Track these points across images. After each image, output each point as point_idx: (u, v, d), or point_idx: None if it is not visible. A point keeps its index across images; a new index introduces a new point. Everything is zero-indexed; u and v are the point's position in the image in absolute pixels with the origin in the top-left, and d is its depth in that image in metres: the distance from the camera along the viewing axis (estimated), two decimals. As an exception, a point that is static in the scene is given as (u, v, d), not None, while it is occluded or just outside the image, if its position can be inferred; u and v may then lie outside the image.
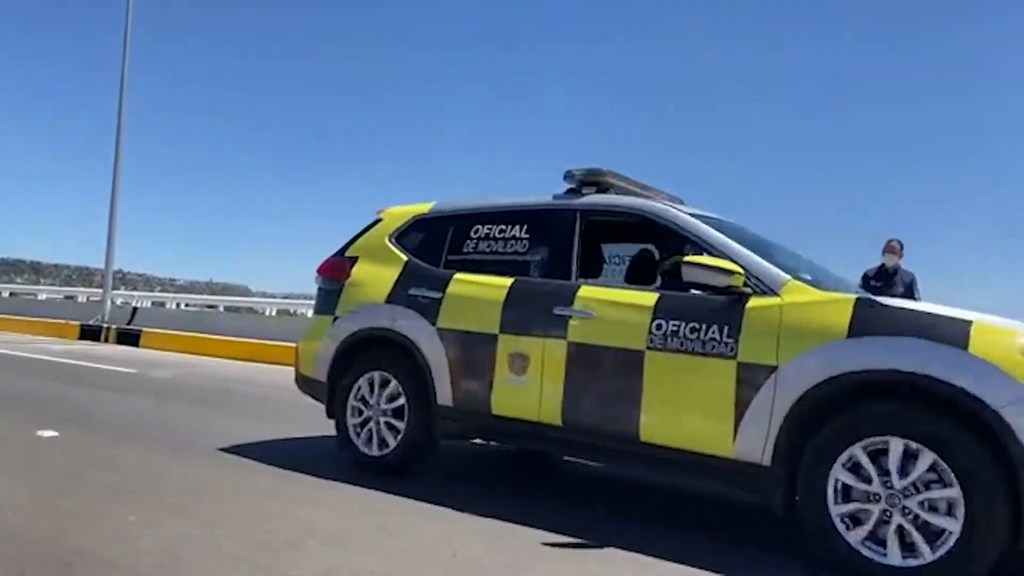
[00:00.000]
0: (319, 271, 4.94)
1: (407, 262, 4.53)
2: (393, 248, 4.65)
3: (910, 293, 7.28)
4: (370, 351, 4.53)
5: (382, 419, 4.38)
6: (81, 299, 22.28)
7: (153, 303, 20.64)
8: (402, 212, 4.81)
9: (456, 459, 5.10)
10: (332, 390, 4.61)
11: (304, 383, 4.94)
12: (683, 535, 3.58)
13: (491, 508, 3.71)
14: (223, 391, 8.51)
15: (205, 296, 24.16)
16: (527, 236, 4.23)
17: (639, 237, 4.84)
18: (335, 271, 4.83)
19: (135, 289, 43.47)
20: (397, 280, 4.46)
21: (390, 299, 4.44)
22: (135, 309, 17.79)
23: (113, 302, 18.14)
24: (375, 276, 4.59)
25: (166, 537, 3.05)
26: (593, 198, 4.19)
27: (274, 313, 18.29)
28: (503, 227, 4.32)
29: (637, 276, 4.45)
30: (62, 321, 17.37)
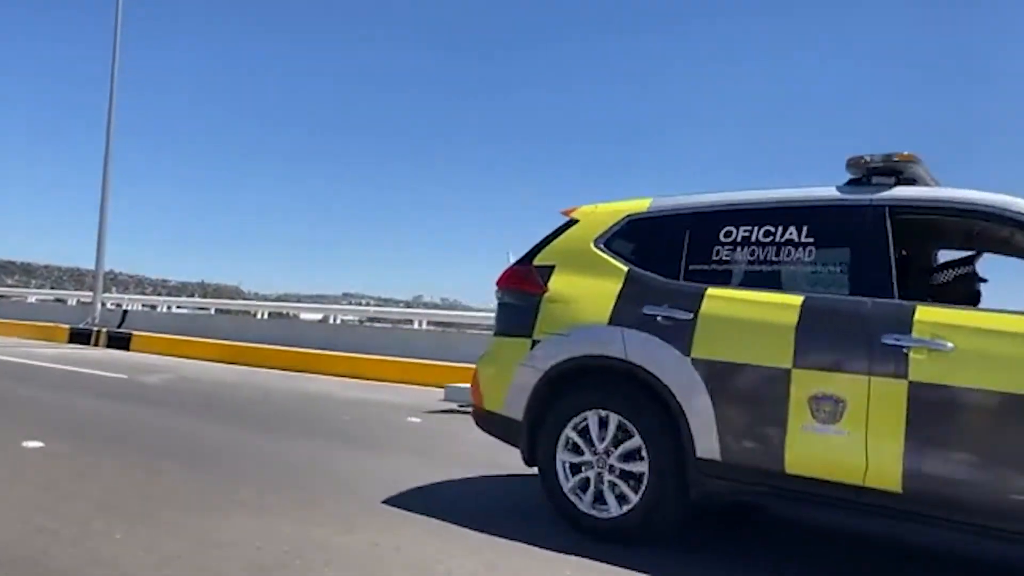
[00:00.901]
0: (501, 283, 4.12)
1: (629, 272, 3.67)
2: (604, 255, 3.79)
3: None
4: (589, 385, 3.64)
5: (607, 473, 3.48)
6: (71, 302, 22.05)
7: (144, 306, 20.40)
8: (607, 211, 3.96)
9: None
10: (532, 432, 3.75)
11: (488, 421, 4.04)
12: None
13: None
14: (212, 396, 8.36)
15: (197, 299, 23.96)
16: (811, 240, 3.34)
17: (969, 242, 3.89)
18: (526, 283, 3.97)
19: (127, 290, 43.30)
20: (620, 295, 3.61)
21: (615, 319, 3.57)
22: (125, 312, 17.62)
23: (103, 305, 17.96)
24: (586, 290, 3.74)
25: (153, 557, 2.92)
26: (907, 191, 3.32)
27: (267, 316, 18.10)
28: (770, 228, 3.44)
29: (953, 293, 3.59)
30: (52, 324, 17.18)
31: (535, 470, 3.78)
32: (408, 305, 37.08)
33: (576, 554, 3.23)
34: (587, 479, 3.53)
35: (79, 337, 16.09)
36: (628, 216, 3.87)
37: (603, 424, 3.53)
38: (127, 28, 17.94)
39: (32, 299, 23.60)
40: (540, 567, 3.08)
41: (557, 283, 3.86)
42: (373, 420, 7.29)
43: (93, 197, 17.51)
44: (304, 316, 19.10)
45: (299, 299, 37.23)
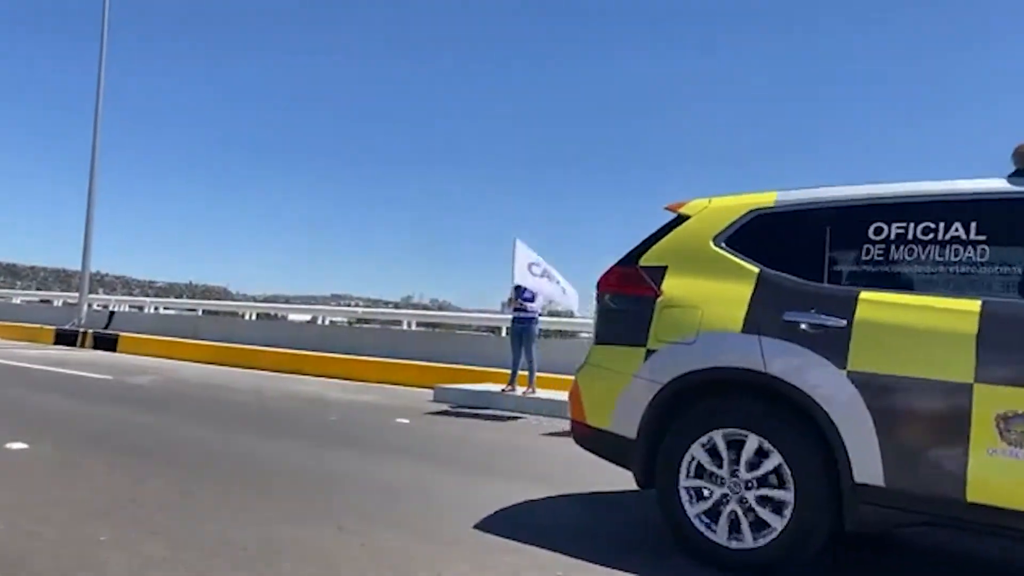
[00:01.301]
0: (605, 286, 3.74)
1: (761, 274, 3.28)
2: (727, 254, 3.41)
3: None
4: (720, 400, 3.27)
5: (742, 500, 3.11)
6: (57, 303, 21.87)
7: (131, 307, 20.25)
8: (724, 207, 3.57)
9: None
10: (649, 451, 3.36)
11: (591, 439, 3.66)
12: None
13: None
14: (199, 397, 8.29)
15: (184, 300, 23.80)
16: (982, 237, 2.96)
17: None
18: (636, 286, 3.58)
19: (114, 291, 42.97)
20: (753, 299, 3.23)
21: (750, 327, 3.18)
22: (112, 313, 17.49)
23: (90, 306, 17.83)
24: (710, 293, 3.35)
25: (138, 560, 2.88)
26: None
27: (255, 317, 18.01)
28: (930, 224, 3.05)
29: None
30: (37, 325, 17.05)
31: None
32: (397, 306, 37.02)
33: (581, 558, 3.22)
34: (717, 505, 3.16)
35: (65, 338, 15.97)
36: (752, 211, 3.46)
37: (737, 444, 3.14)
38: (120, 31, 17.81)
39: (17, 300, 23.41)
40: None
41: (673, 286, 3.47)
42: (361, 421, 7.26)
43: (80, 197, 17.38)
44: (292, 317, 19.01)
45: (288, 300, 37.08)
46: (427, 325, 16.48)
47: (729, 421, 3.17)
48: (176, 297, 41.10)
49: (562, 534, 3.51)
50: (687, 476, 3.24)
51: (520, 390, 9.01)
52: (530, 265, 8.97)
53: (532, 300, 9.13)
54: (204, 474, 4.43)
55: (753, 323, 3.18)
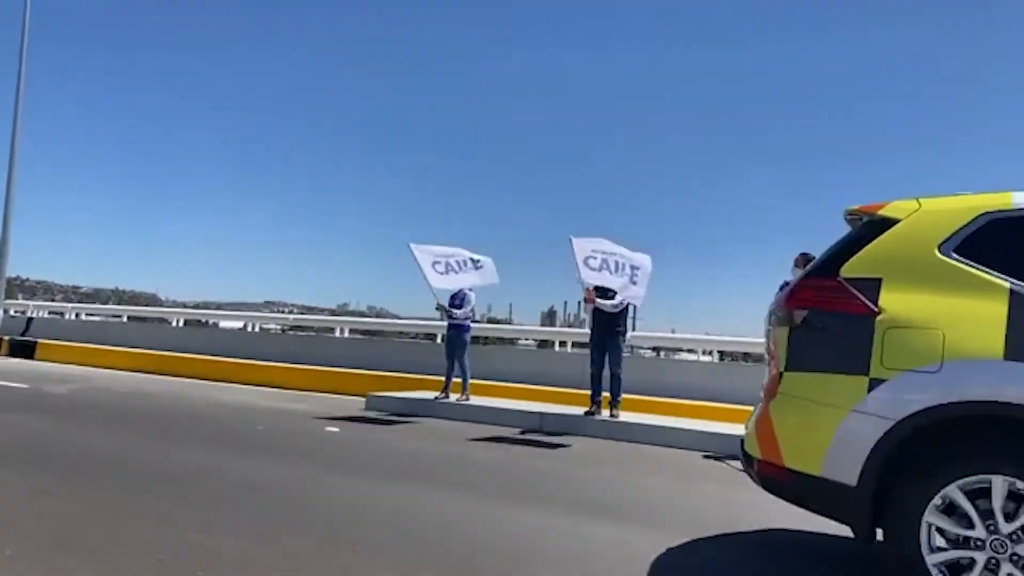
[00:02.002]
0: (798, 301, 3.20)
1: (1013, 290, 2.84)
2: (963, 266, 2.96)
3: None
4: (974, 440, 2.83)
5: (1009, 559, 2.65)
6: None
7: (51, 312, 19.45)
8: (946, 209, 3.13)
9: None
10: (875, 501, 2.86)
11: (790, 484, 3.10)
12: None
13: None
14: (121, 407, 8.05)
15: (109, 306, 22.99)
16: None
17: None
18: (843, 301, 3.07)
19: (34, 296, 41.15)
20: (1010, 320, 2.79)
21: (1014, 352, 2.73)
22: (30, 319, 16.80)
23: (6, 311, 17.07)
24: (953, 311, 2.89)
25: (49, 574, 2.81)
26: None
27: (183, 324, 17.53)
28: None
29: None
30: (-53, 332, 16.23)
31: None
32: (333, 313, 36.49)
33: None
34: (970, 566, 2.70)
35: (-22, 345, 15.25)
36: (985, 215, 3.02)
37: (996, 494, 2.69)
38: (41, 30, 17.18)
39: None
40: None
41: (894, 301, 2.98)
42: (290, 429, 7.16)
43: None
44: (224, 324, 18.56)
45: (219, 307, 36.16)
46: (363, 332, 16.32)
47: (989, 466, 2.72)
48: (102, 303, 39.63)
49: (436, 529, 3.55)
50: (929, 531, 2.75)
51: (454, 397, 9.02)
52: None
53: (460, 307, 9.14)
54: (118, 484, 4.32)
55: (1017, 348, 2.74)
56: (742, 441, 3.41)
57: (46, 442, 5.65)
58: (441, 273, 8.80)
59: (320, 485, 4.62)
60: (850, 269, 3.10)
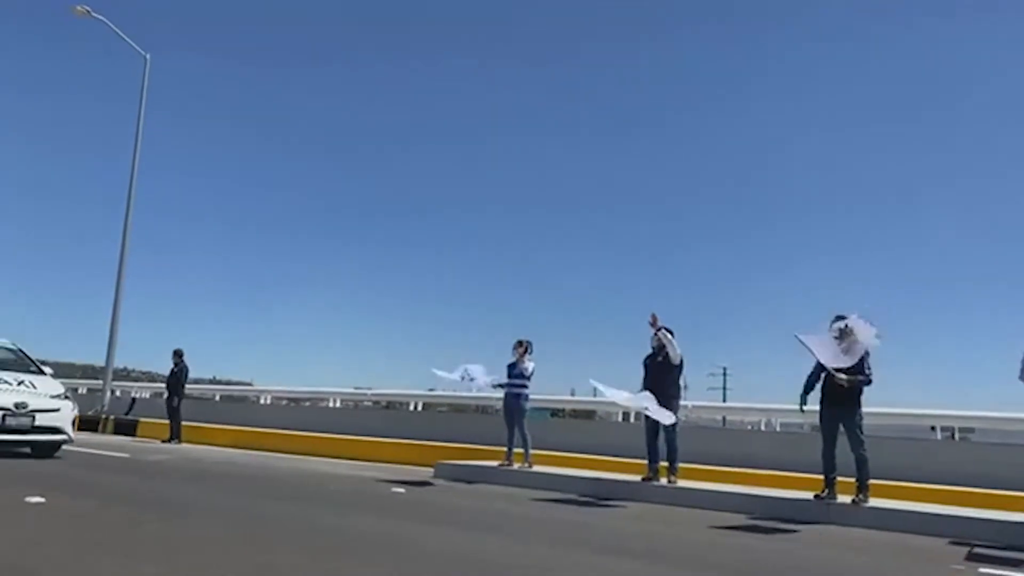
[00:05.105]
0: None
1: None
2: None
3: None
4: None
5: None
6: (81, 390, 22.47)
7: (152, 394, 20.79)
8: None
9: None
10: None
11: None
12: None
13: None
14: (210, 472, 8.73)
15: (205, 386, 24.29)
16: None
17: None
18: None
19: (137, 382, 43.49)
20: None
21: None
22: (134, 399, 18.01)
23: (113, 392, 18.38)
24: None
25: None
26: None
27: (268, 401, 18.45)
28: None
29: None
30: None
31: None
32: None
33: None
34: None
35: (86, 424, 16.43)
36: None
37: None
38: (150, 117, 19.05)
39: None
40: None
41: None
42: (361, 490, 7.64)
43: (107, 297, 18.28)
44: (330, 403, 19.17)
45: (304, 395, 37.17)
46: (443, 406, 16.78)
47: None
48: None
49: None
50: None
51: (516, 465, 9.30)
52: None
53: (522, 376, 9.51)
54: (202, 523, 4.87)
55: None
56: None
57: (141, 492, 6.31)
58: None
59: (380, 532, 5.03)
60: None
